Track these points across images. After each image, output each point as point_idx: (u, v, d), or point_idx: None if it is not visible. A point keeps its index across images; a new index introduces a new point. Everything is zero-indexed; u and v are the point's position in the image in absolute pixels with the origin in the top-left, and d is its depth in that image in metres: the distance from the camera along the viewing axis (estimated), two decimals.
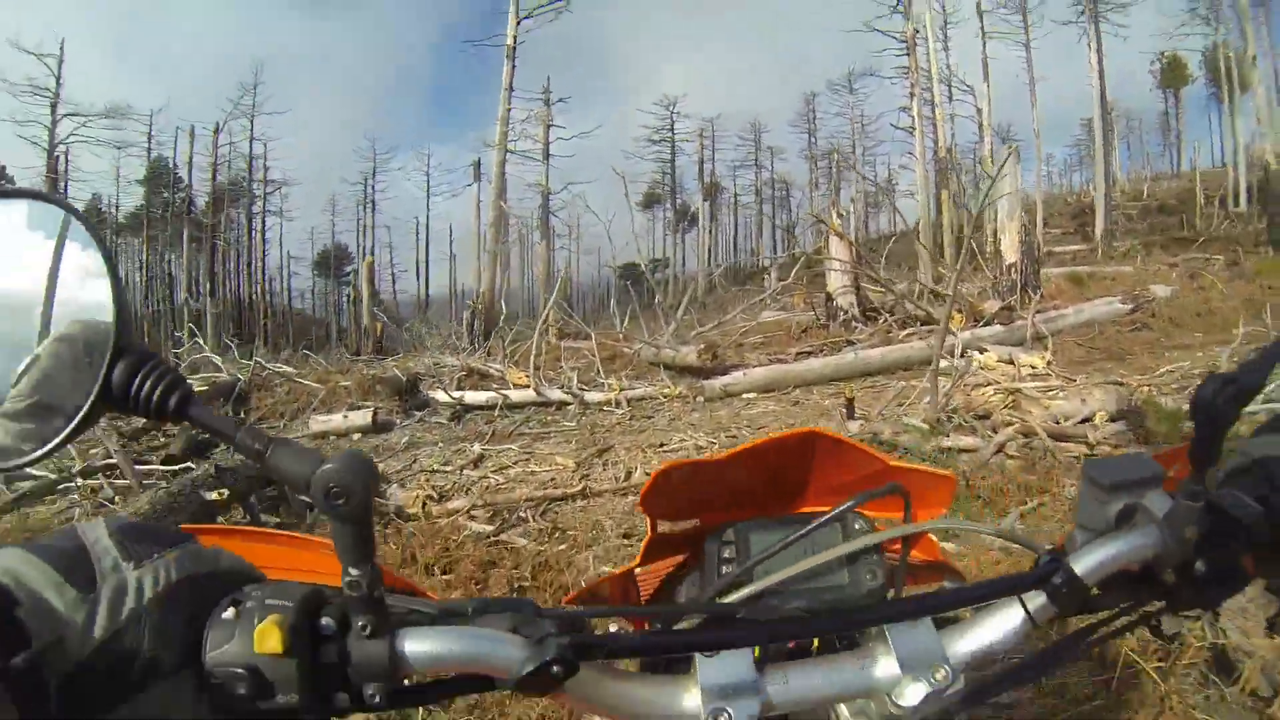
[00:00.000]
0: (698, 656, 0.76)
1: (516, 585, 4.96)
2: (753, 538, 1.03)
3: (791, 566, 0.95)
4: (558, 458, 8.56)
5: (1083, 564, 0.75)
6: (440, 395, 11.97)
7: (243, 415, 12.14)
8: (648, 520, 1.16)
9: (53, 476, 8.09)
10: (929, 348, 11.71)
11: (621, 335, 15.24)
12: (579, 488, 7.03)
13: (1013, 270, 15.17)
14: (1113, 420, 6.84)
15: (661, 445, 8.75)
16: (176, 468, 7.92)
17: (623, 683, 0.76)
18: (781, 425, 9.29)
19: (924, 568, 1.27)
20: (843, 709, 0.84)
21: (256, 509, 6.35)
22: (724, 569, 1.01)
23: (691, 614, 0.90)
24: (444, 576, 5.22)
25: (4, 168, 41.58)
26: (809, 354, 13.57)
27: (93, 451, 8.74)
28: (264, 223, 53.47)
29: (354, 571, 0.63)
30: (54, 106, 40.06)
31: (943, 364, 11.14)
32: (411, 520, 6.38)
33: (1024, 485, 5.93)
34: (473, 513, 6.41)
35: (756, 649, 0.79)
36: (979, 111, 40.79)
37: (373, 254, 50.30)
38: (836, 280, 15.71)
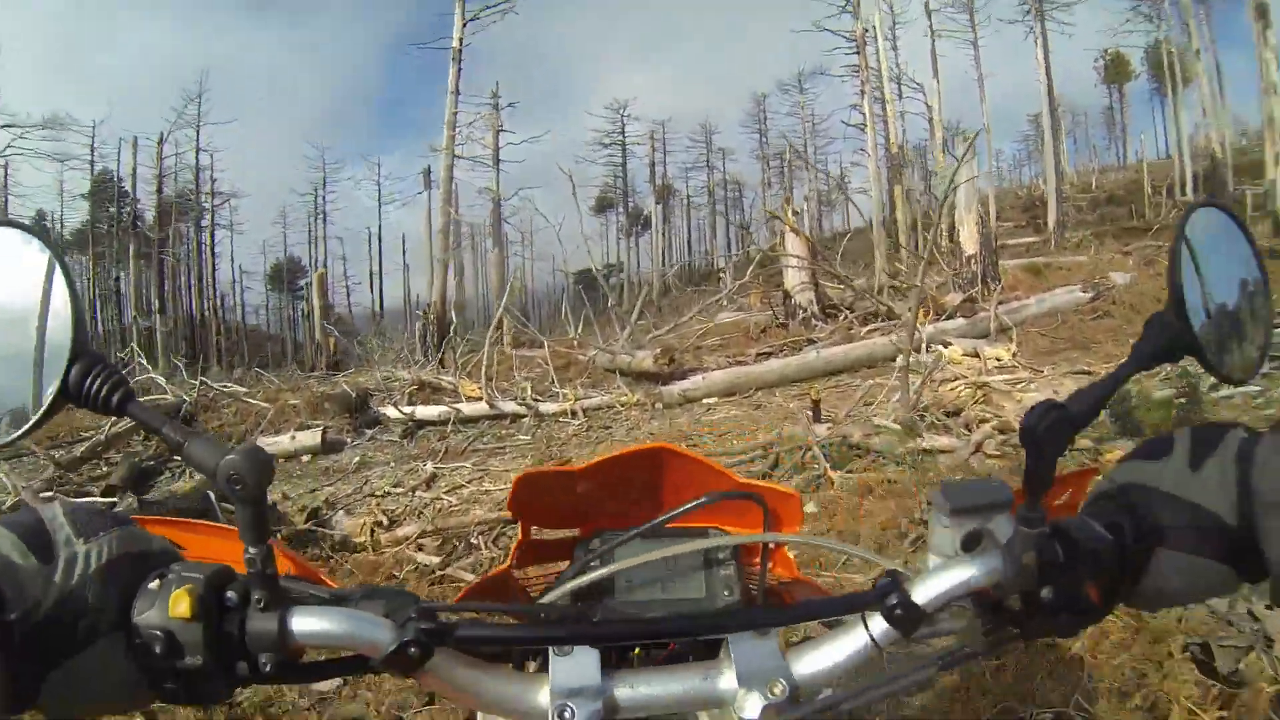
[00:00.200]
0: (552, 655, 0.80)
1: None
2: (619, 547, 1.09)
3: (651, 574, 1.08)
4: (512, 474, 8.24)
5: (922, 588, 0.75)
6: (391, 411, 11.65)
7: None
8: (519, 524, 1.26)
9: None
10: (893, 344, 11.73)
11: (576, 342, 14.95)
12: None
13: (972, 262, 15.10)
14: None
15: None
16: (114, 500, 7.41)
17: (481, 672, 0.79)
18: (745, 431, 9.06)
19: (786, 587, 1.29)
20: (702, 717, 0.88)
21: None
22: (589, 572, 1.06)
23: (546, 613, 1.01)
24: None
25: None
26: (769, 354, 13.42)
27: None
28: (213, 236, 52.12)
29: (252, 550, 0.71)
30: None
31: (904, 359, 11.05)
32: (359, 550, 6.06)
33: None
34: (421, 541, 6.07)
35: (626, 651, 0.91)
36: (929, 108, 40.96)
37: (325, 266, 49.71)
38: (794, 278, 15.56)
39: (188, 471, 8.99)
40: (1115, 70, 55.08)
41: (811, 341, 13.77)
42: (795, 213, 16.09)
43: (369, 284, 59.64)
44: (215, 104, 56.95)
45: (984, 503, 0.79)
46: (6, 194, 41.93)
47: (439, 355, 16.74)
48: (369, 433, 11.36)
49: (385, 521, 6.77)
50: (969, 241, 15.29)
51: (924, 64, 41.85)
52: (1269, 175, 25.93)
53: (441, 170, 26.38)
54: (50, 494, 7.81)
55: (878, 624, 0.77)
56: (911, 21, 42.39)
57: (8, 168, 41.89)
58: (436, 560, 5.70)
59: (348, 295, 58.46)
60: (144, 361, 15.57)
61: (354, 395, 12.17)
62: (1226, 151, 32.34)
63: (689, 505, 1.05)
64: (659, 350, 12.80)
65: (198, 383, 13.28)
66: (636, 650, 1.05)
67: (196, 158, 49.66)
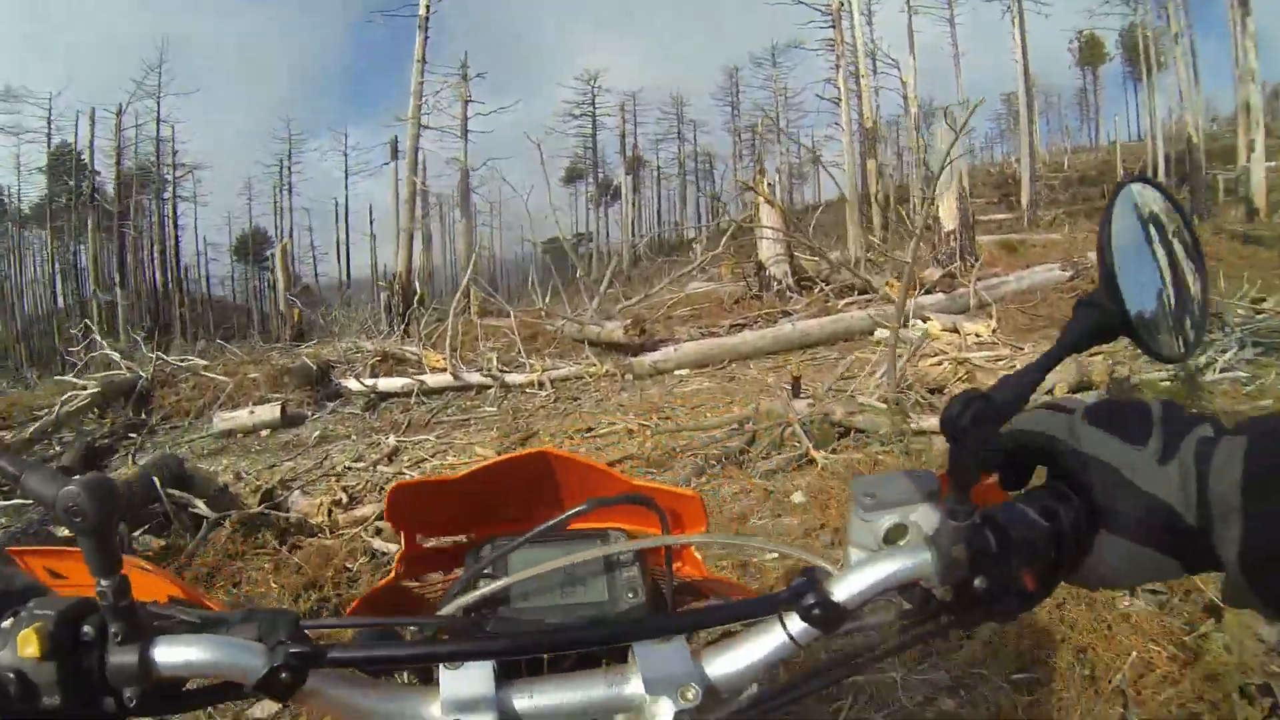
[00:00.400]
0: (441, 669, 0.78)
1: None
2: (512, 553, 1.07)
3: (548, 578, 1.03)
4: (478, 448, 8.13)
5: (843, 584, 0.73)
6: (353, 384, 11.37)
7: (144, 415, 11.33)
8: (401, 535, 1.22)
9: None
10: (870, 317, 11.65)
11: (544, 312, 14.60)
12: None
13: (952, 238, 14.94)
14: (1075, 391, 6.43)
15: (589, 430, 8.26)
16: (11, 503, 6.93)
17: (364, 691, 0.76)
18: (719, 404, 8.84)
19: (701, 586, 1.25)
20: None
21: (126, 538, 5.57)
22: (480, 583, 1.03)
23: (435, 626, 0.99)
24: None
25: None
26: (743, 326, 13.21)
27: None
28: (175, 208, 51.65)
29: (103, 582, 0.66)
30: None
31: (884, 334, 10.86)
32: (315, 534, 5.74)
33: None
34: (380, 524, 5.74)
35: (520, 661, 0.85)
36: (904, 84, 41.08)
37: (291, 237, 49.02)
38: (768, 249, 15.28)
39: (134, 454, 8.70)
40: (1090, 52, 56.15)
41: (786, 314, 13.57)
42: (769, 184, 15.79)
43: (336, 255, 59.20)
44: (177, 75, 56.45)
45: (906, 494, 0.78)
46: None
47: (403, 326, 16.39)
48: (330, 406, 11.04)
49: (345, 499, 6.48)
50: (948, 217, 15.11)
51: (900, 40, 42.26)
52: (1241, 161, 26.46)
53: (408, 140, 26.10)
54: None
55: (796, 622, 0.75)
56: None
57: None
58: (393, 548, 5.35)
59: (314, 266, 58.15)
60: (99, 337, 15.09)
61: (315, 368, 11.82)
62: (1200, 136, 32.70)
63: (574, 511, 1.05)
64: (629, 321, 12.50)
65: (153, 357, 12.82)
66: (525, 659, 0.93)
67: (157, 129, 49.13)
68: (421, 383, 11.02)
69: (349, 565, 5.12)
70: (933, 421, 6.29)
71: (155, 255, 50.29)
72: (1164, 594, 3.52)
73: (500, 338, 13.45)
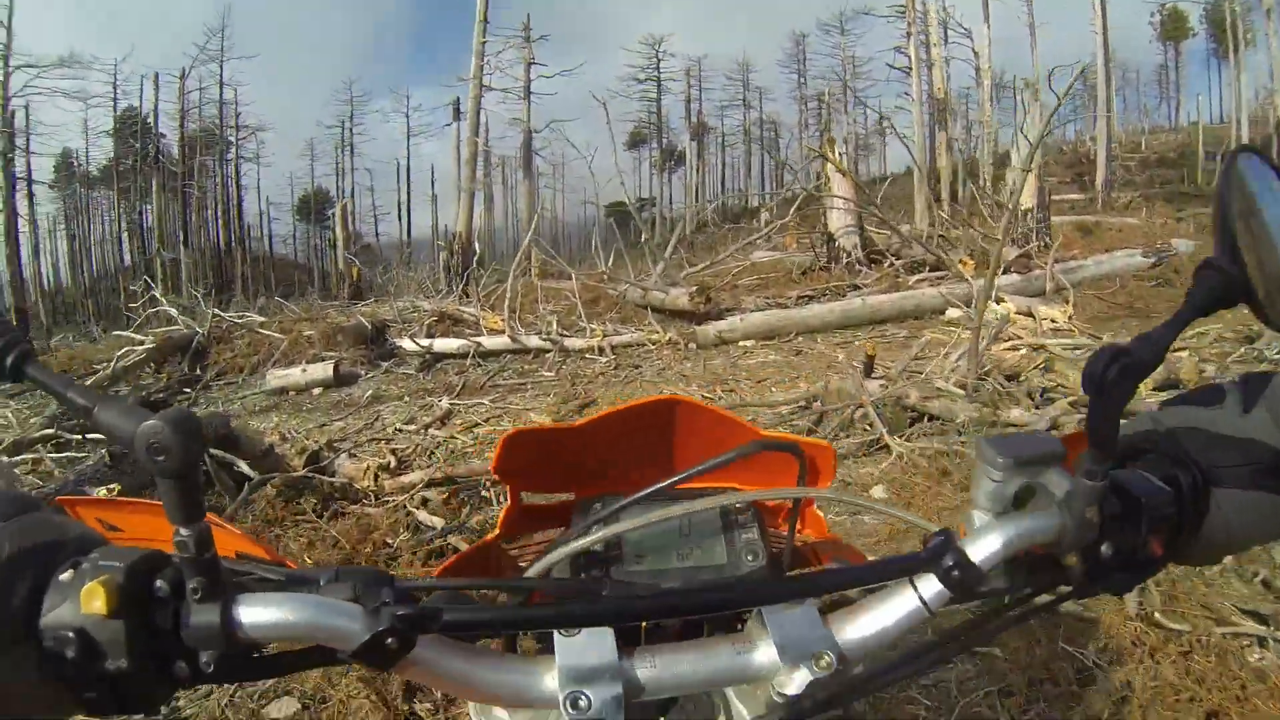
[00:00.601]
0: (557, 636, 0.72)
1: None
2: (624, 511, 0.98)
3: (663, 538, 0.98)
4: (533, 414, 7.84)
5: (977, 546, 0.70)
6: (408, 343, 11.13)
7: (199, 371, 11.24)
8: (507, 489, 1.12)
9: None
10: (942, 295, 11.16)
11: (606, 276, 14.23)
12: None
13: (1029, 216, 14.34)
14: (1161, 389, 5.90)
15: None
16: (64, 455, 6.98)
17: (475, 660, 0.70)
18: (785, 379, 8.43)
19: (817, 547, 1.18)
20: (730, 694, 0.79)
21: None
22: (590, 537, 0.94)
23: (547, 589, 0.91)
24: None
25: None
26: (810, 298, 12.70)
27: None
28: (238, 169, 52.39)
29: (183, 531, 0.60)
30: (5, 59, 38.45)
31: (955, 314, 10.37)
32: (359, 500, 5.44)
33: None
34: (426, 494, 5.41)
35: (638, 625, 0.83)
36: (975, 55, 39.98)
37: (351, 198, 49.43)
38: (839, 220, 14.73)
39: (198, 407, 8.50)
40: (1172, 27, 54.47)
41: (855, 288, 13.10)
42: (840, 154, 15.26)
43: (397, 215, 59.52)
44: (239, 40, 56.80)
45: (1037, 455, 0.73)
46: (28, 133, 41.69)
47: (462, 286, 16.13)
48: (384, 365, 10.85)
49: (393, 463, 6.19)
50: (1026, 194, 14.50)
51: (973, 8, 40.71)
52: None
53: (469, 100, 25.84)
54: (52, 430, 7.36)
55: (928, 586, 0.71)
56: None
57: (28, 108, 41.54)
58: (439, 523, 4.98)
59: (375, 226, 58.78)
60: (158, 294, 15.04)
61: (370, 326, 11.65)
62: None
63: (718, 460, 0.96)
64: (694, 288, 12.09)
65: (210, 314, 12.72)
66: (644, 624, 0.89)
67: (220, 92, 49.93)
68: (478, 344, 10.79)
69: (389, 541, 4.75)
70: (1019, 413, 5.77)
71: (218, 215, 51.03)
72: None
73: (560, 301, 13.16)
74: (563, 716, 0.68)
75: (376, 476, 5.75)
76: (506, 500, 1.13)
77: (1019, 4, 42.65)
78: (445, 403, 8.43)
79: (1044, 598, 0.77)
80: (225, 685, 3.15)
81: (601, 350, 10.38)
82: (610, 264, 14.67)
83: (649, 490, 0.96)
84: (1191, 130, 45.30)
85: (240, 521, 4.96)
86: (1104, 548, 0.71)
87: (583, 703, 0.68)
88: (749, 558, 0.99)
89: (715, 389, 8.16)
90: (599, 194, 19.52)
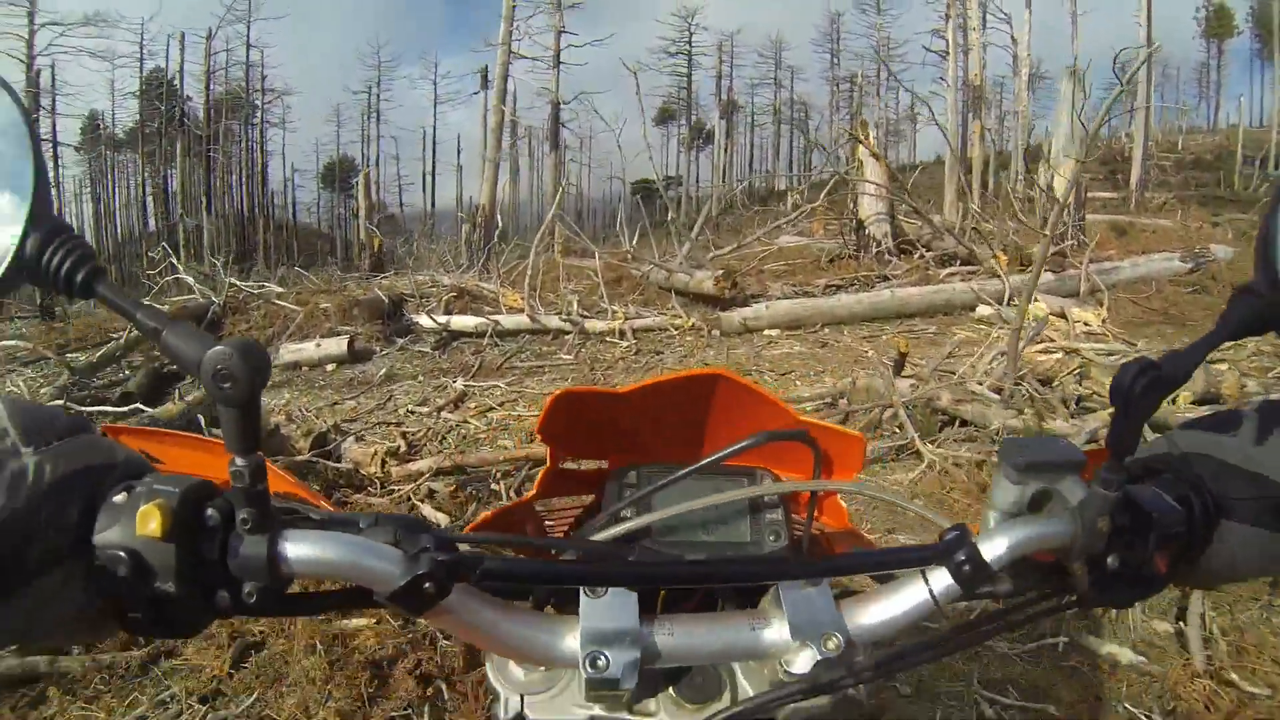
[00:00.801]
0: (583, 597, 0.74)
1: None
2: (655, 481, 1.01)
3: (689, 513, 0.98)
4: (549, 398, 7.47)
5: (989, 544, 0.72)
6: (425, 320, 10.90)
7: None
8: (548, 450, 1.13)
9: None
10: (974, 291, 10.93)
11: (630, 255, 13.90)
12: None
13: (1065, 212, 14.02)
14: (1202, 404, 5.59)
15: None
16: (127, 409, 6.86)
17: (503, 613, 0.73)
18: (810, 373, 8.20)
19: (833, 536, 1.19)
20: (737, 670, 0.82)
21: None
22: (622, 511, 1.00)
23: (578, 549, 0.94)
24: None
25: None
26: (839, 287, 12.38)
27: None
28: (263, 133, 52.15)
29: (239, 461, 0.61)
30: (30, 15, 38.36)
31: (985, 311, 10.08)
32: (365, 488, 5.21)
33: None
34: (433, 485, 5.18)
35: (657, 595, 0.86)
36: (1014, 41, 39.39)
37: (377, 165, 49.34)
38: (870, 206, 14.33)
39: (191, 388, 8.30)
40: (1217, 24, 53.58)
41: (884, 278, 12.80)
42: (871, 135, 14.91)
43: (422, 185, 59.27)
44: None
45: (1056, 461, 0.74)
46: (54, 94, 41.62)
47: (482, 260, 15.92)
48: (400, 342, 10.57)
49: (403, 447, 5.99)
50: (1063, 188, 14.14)
51: None
52: None
53: (497, 66, 25.58)
54: (61, 402, 7.18)
55: (938, 580, 0.73)
56: None
57: (54, 67, 41.46)
58: (443, 520, 4.74)
59: (400, 195, 58.42)
60: (176, 261, 14.88)
61: (387, 301, 11.39)
62: None
63: (737, 447, 0.95)
64: (720, 271, 11.78)
65: (227, 283, 12.53)
66: (662, 594, 0.90)
67: (247, 54, 49.70)
68: (496, 323, 10.56)
69: None
70: (1058, 425, 5.45)
71: (243, 181, 50.87)
72: None
73: (583, 280, 12.92)
74: (580, 674, 0.72)
75: (384, 463, 5.52)
76: (547, 461, 1.14)
77: None
78: (460, 384, 8.22)
79: (1047, 604, 0.78)
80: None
81: (622, 334, 10.14)
82: (634, 243, 14.38)
83: (684, 472, 0.97)
84: (1230, 133, 44.49)
85: None
86: (1110, 560, 0.72)
87: (601, 663, 0.71)
88: (771, 538, 1.01)
89: None
90: (625, 169, 19.26)
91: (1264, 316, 0.72)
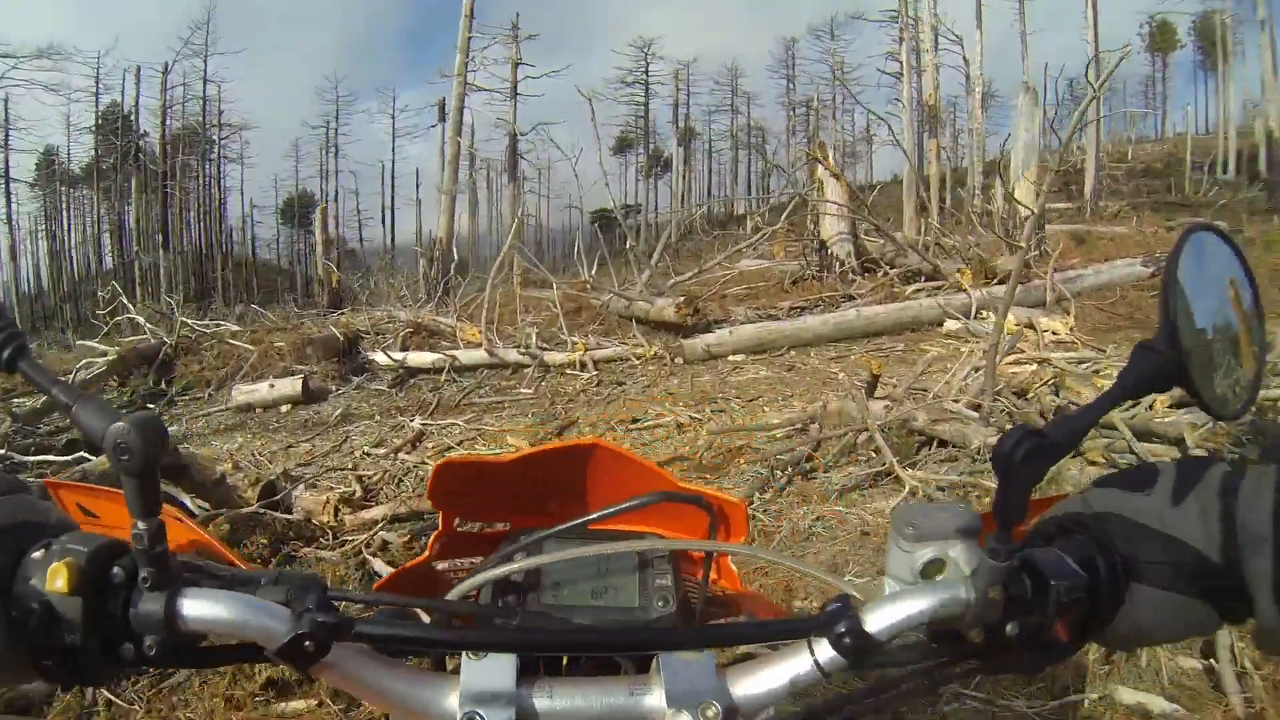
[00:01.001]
0: (464, 658, 0.76)
1: None
2: (547, 545, 1.01)
3: (578, 577, 0.98)
4: (509, 436, 7.42)
5: (877, 614, 0.70)
6: (380, 357, 10.67)
7: (165, 385, 10.70)
8: (440, 515, 1.18)
9: None
10: (940, 306, 10.94)
11: (589, 284, 13.76)
12: None
13: (1037, 223, 14.08)
14: (1176, 406, 5.46)
15: (635, 421, 7.48)
16: (71, 456, 6.59)
17: (386, 670, 0.74)
18: (779, 398, 8.03)
19: (728, 600, 1.20)
20: None
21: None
22: (508, 566, 0.96)
23: (464, 611, 0.93)
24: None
25: None
26: (803, 309, 12.38)
27: None
28: (220, 169, 51.62)
29: (140, 525, 0.64)
30: None
31: (952, 325, 10.02)
32: (315, 540, 4.98)
33: None
34: (386, 535, 4.97)
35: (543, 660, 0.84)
36: (966, 62, 40.10)
37: (335, 200, 48.95)
38: (832, 226, 14.34)
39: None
40: (1160, 38, 54.73)
41: (849, 298, 12.77)
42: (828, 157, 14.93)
43: (381, 219, 58.94)
44: (224, 34, 56.27)
45: (948, 528, 0.73)
46: (7, 128, 41.08)
47: (439, 295, 15.70)
48: (356, 380, 10.36)
49: (358, 492, 5.76)
50: (1029, 199, 14.29)
51: (968, 14, 41.10)
52: None
53: (453, 98, 25.45)
54: (1, 451, 6.97)
55: (825, 650, 0.72)
56: None
57: (7, 100, 40.93)
58: (389, 570, 4.52)
59: (360, 230, 57.91)
60: (126, 300, 14.52)
61: (341, 339, 11.13)
62: None
63: (630, 503, 0.98)
64: (681, 298, 11.67)
65: (180, 322, 12.20)
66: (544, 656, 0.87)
67: (204, 88, 49.15)
68: (454, 358, 10.37)
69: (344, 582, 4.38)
70: None
71: (200, 217, 50.26)
72: None
73: (542, 311, 12.76)
74: None
75: (337, 510, 5.30)
76: (439, 525, 1.16)
77: (1011, 12, 42.83)
78: (417, 423, 8.02)
79: (946, 671, 0.75)
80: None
81: (583, 365, 9.95)
82: (594, 272, 14.24)
83: (564, 526, 0.97)
84: (1178, 141, 45.83)
85: None
86: (1009, 628, 0.70)
87: None
88: (659, 603, 0.98)
89: (703, 408, 7.75)
90: (583, 198, 19.15)
91: (1164, 373, 0.72)
